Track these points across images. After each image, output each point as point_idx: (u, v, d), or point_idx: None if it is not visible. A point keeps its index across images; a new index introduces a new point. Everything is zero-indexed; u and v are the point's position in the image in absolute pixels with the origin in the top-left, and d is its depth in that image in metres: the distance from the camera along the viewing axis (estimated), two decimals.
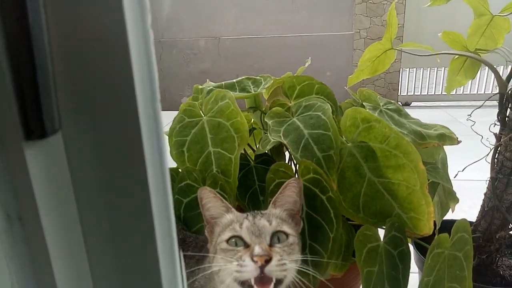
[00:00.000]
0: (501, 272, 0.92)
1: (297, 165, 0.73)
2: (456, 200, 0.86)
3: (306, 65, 1.03)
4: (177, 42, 4.56)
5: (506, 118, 0.77)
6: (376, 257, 0.68)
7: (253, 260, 0.55)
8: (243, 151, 0.89)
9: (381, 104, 0.86)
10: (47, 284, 0.29)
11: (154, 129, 0.29)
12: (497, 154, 0.82)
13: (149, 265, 0.32)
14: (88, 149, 0.28)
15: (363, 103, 0.85)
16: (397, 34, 3.87)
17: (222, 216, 0.66)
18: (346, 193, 0.73)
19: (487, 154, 0.83)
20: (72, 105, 0.26)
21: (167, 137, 0.87)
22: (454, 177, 0.88)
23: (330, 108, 0.76)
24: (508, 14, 0.96)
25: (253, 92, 0.93)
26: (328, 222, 0.68)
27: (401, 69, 4.30)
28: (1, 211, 0.28)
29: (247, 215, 0.64)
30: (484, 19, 1.03)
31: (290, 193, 0.66)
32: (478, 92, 4.15)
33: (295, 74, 1.00)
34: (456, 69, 1.14)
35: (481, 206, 0.90)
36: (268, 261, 0.55)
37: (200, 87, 0.99)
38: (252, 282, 0.55)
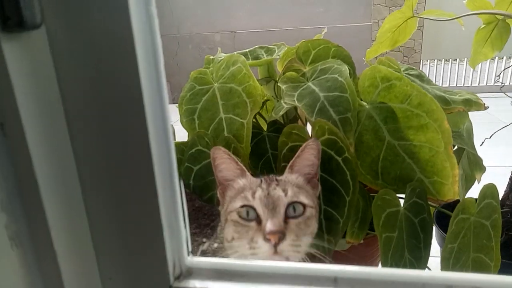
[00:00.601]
0: None
1: (311, 128, 0.70)
2: (483, 169, 0.80)
3: (323, 33, 0.99)
4: (193, 37, 4.56)
5: None
6: (396, 223, 0.63)
7: (265, 239, 0.52)
8: (255, 120, 0.86)
9: (402, 69, 0.82)
10: (29, 189, 0.26)
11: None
12: None
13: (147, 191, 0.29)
14: (77, 48, 0.26)
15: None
16: (418, 9, 3.78)
17: (235, 180, 0.62)
18: (364, 158, 0.69)
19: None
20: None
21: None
22: (480, 145, 0.82)
23: (348, 70, 0.72)
24: None
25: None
26: (344, 185, 0.64)
27: (421, 60, 4.18)
28: None
29: (261, 181, 0.59)
30: None
31: (308, 156, 0.61)
32: (503, 83, 3.99)
33: None
34: (482, 40, 1.08)
35: (510, 178, 0.84)
36: (281, 238, 0.51)
37: (212, 57, 0.96)
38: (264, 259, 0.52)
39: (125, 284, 0.31)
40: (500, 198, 0.87)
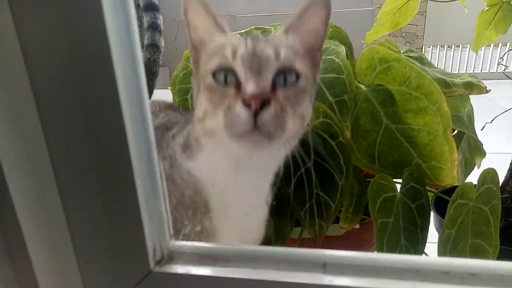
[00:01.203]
0: None
1: None
2: (483, 154, 0.78)
3: None
4: None
5: None
6: (392, 208, 0.62)
7: (245, 104, 0.40)
8: None
9: (402, 51, 0.79)
10: None
11: None
12: None
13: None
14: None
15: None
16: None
17: (213, 37, 0.48)
18: (361, 142, 0.67)
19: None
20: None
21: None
22: (481, 129, 0.80)
23: (344, 51, 0.69)
24: None
25: None
26: (336, 169, 0.62)
27: (423, 46, 4.12)
28: None
29: (246, 39, 0.46)
30: None
31: (313, 18, 0.47)
32: (506, 65, 3.92)
33: None
34: (485, 22, 1.04)
35: (510, 164, 0.83)
36: (265, 104, 0.40)
37: None
38: (242, 134, 0.41)
39: (102, 268, 0.30)
40: (500, 184, 0.86)
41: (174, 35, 4.39)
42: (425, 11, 3.99)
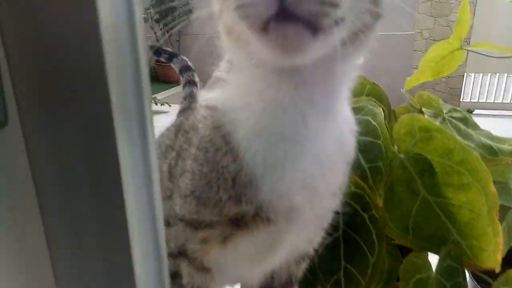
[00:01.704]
0: None
1: None
2: None
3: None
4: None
5: None
6: None
7: None
8: None
9: (444, 111, 0.75)
10: None
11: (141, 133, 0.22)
12: None
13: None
14: (46, 142, 0.23)
15: (422, 108, 0.74)
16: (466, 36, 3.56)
17: None
18: (394, 211, 0.64)
19: None
20: (28, 96, 0.21)
21: None
22: None
23: (382, 113, 0.66)
24: None
25: None
26: (368, 244, 0.59)
27: (465, 73, 3.97)
28: None
29: None
30: None
31: None
32: None
33: None
34: None
35: None
36: None
37: None
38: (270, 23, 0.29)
39: None
40: None
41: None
42: (469, 38, 3.85)
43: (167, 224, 0.42)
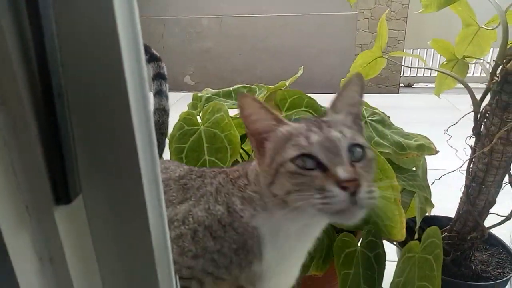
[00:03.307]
0: (473, 267, 1.01)
1: None
2: (432, 206, 0.93)
3: (299, 74, 1.08)
4: (180, 20, 4.54)
5: (480, 133, 0.83)
6: (353, 261, 0.76)
7: (342, 187, 0.45)
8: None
9: (366, 115, 0.92)
10: None
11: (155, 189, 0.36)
12: (471, 164, 0.89)
13: None
14: (101, 206, 0.36)
15: None
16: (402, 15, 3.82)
17: (275, 129, 0.53)
18: None
19: (461, 166, 0.90)
20: (88, 171, 0.34)
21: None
22: (432, 184, 0.95)
23: None
24: (495, 27, 1.00)
25: None
26: None
27: (404, 50, 4.27)
28: (36, 255, 0.36)
29: (309, 124, 0.52)
30: (471, 29, 1.07)
31: (352, 94, 0.55)
32: (481, 74, 4.11)
33: (288, 81, 1.06)
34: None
35: (457, 209, 0.98)
36: (358, 185, 0.45)
37: (199, 94, 1.05)
38: (338, 211, 0.46)
39: None
40: (451, 222, 1.01)
41: (162, 34, 4.45)
42: (406, 17, 4.13)
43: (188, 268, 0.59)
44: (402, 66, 4.32)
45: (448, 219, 1.09)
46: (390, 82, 4.13)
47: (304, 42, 4.38)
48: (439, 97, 1.25)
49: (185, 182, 0.67)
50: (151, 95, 0.98)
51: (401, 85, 4.43)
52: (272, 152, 0.53)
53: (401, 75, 4.32)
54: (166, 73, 1.00)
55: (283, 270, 0.61)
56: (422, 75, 4.52)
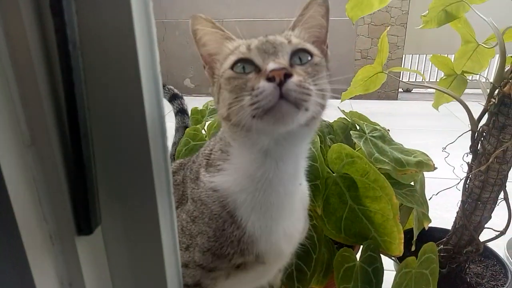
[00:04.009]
0: (468, 279, 1.04)
1: None
2: (429, 221, 0.96)
3: None
4: (180, 23, 4.56)
5: (477, 151, 0.85)
6: (352, 275, 0.78)
7: (268, 79, 0.42)
8: None
9: (367, 132, 0.95)
10: None
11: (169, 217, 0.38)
12: (468, 181, 0.91)
13: None
14: (118, 236, 0.38)
15: (351, 131, 0.93)
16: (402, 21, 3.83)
17: (224, 48, 0.53)
18: (330, 217, 0.84)
19: (458, 182, 0.92)
20: (107, 204, 0.36)
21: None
22: (429, 199, 0.98)
23: (319, 142, 0.85)
24: (493, 45, 1.02)
25: None
26: (312, 245, 0.78)
27: (404, 55, 4.30)
28: (57, 280, 0.38)
29: (256, 41, 0.50)
30: (470, 46, 1.10)
31: (313, 14, 0.53)
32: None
33: None
34: (444, 87, 1.21)
35: (453, 223, 1.01)
36: (288, 76, 0.42)
37: (200, 108, 1.07)
38: (269, 108, 0.43)
39: None
40: (447, 235, 1.03)
41: (162, 37, 4.47)
42: (406, 23, 4.16)
43: (185, 266, 0.58)
44: (401, 72, 4.37)
45: (445, 230, 1.11)
46: (389, 88, 4.16)
47: None
48: (437, 110, 1.28)
49: (174, 179, 0.68)
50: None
51: (400, 90, 4.46)
52: (219, 65, 0.52)
53: (400, 79, 4.35)
54: (187, 108, 1.02)
55: (274, 225, 0.56)
56: (421, 79, 4.57)
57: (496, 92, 0.76)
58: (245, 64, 0.47)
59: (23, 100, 0.31)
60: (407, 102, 4.06)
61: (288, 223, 0.59)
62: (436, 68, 4.56)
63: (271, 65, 0.44)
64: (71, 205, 0.35)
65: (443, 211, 1.06)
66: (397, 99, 4.14)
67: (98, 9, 0.30)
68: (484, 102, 0.84)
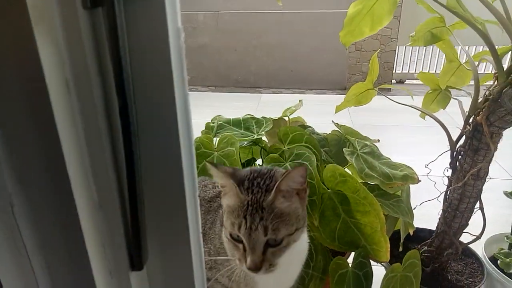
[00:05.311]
0: (449, 277, 1.16)
1: None
2: (413, 228, 1.08)
3: (299, 107, 1.20)
4: None
5: (456, 168, 0.96)
6: (345, 280, 0.90)
7: (248, 268, 0.66)
8: None
9: (358, 148, 1.05)
10: None
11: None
12: (448, 192, 1.02)
13: None
14: (158, 270, 0.49)
15: (343, 149, 1.03)
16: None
17: (229, 192, 0.70)
18: (325, 227, 0.95)
19: (439, 195, 1.03)
20: (151, 246, 0.46)
21: None
22: (414, 208, 1.09)
23: (315, 161, 0.95)
24: (477, 64, 1.12)
25: (255, 133, 1.11)
26: (309, 254, 0.89)
27: (397, 47, 4.38)
28: None
29: (247, 208, 0.66)
30: (454, 65, 1.19)
31: (295, 179, 0.68)
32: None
33: (289, 111, 1.18)
34: (430, 100, 1.31)
35: (436, 228, 1.12)
36: (258, 269, 0.66)
37: (211, 124, 1.17)
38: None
39: None
40: (429, 240, 1.15)
41: None
42: (399, 16, 4.22)
43: (208, 280, 0.75)
44: (394, 64, 4.46)
45: (430, 231, 1.23)
46: (383, 79, 4.25)
47: (299, 39, 4.46)
48: (424, 119, 1.38)
49: (210, 205, 0.87)
50: None
51: (393, 81, 4.56)
52: (225, 209, 0.72)
53: (394, 71, 4.45)
54: None
55: (272, 277, 0.74)
56: (414, 71, 4.67)
57: (471, 119, 0.86)
58: (238, 236, 0.68)
59: (93, 170, 0.41)
60: (399, 97, 4.16)
61: (283, 273, 0.76)
62: (429, 58, 4.68)
63: (248, 263, 0.66)
64: (126, 247, 0.45)
65: (427, 217, 1.17)
66: (390, 91, 4.24)
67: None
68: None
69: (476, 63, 0.99)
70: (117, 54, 0.35)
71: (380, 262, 0.95)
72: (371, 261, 0.94)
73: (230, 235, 0.69)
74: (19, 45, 0.32)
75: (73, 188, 0.39)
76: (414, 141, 2.82)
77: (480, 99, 0.85)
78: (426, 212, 1.19)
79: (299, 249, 0.77)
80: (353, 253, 0.94)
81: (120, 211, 0.43)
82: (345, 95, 1.28)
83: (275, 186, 0.67)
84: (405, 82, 4.71)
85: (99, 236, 0.43)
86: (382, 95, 1.21)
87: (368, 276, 0.93)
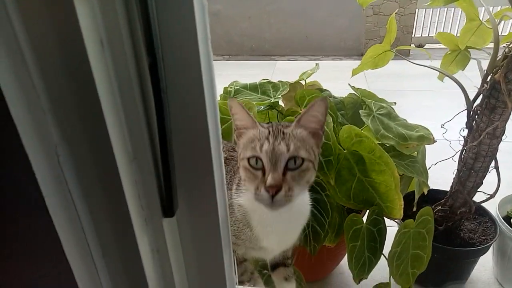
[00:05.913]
0: (462, 235, 1.20)
1: None
2: (427, 187, 1.10)
3: (316, 71, 1.21)
4: None
5: (472, 127, 0.97)
6: (359, 235, 0.94)
7: (266, 189, 0.65)
8: None
9: (374, 110, 1.06)
10: None
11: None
12: (464, 151, 1.04)
13: None
14: (186, 218, 0.53)
15: (359, 110, 1.05)
16: None
17: (248, 129, 0.72)
18: (341, 187, 0.98)
19: (454, 155, 1.05)
20: (181, 195, 0.51)
21: None
22: (429, 168, 1.11)
23: (332, 122, 0.97)
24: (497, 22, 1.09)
25: (272, 97, 1.13)
26: (325, 211, 0.94)
27: (417, 9, 4.23)
28: (150, 248, 0.53)
29: (269, 133, 0.68)
30: (474, 24, 1.17)
31: (315, 113, 0.69)
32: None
33: (306, 75, 1.19)
34: (448, 61, 1.30)
35: (450, 187, 1.14)
36: (278, 190, 0.64)
37: (229, 88, 1.19)
38: (264, 205, 0.67)
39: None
40: (443, 199, 1.18)
41: None
42: None
43: None
44: (414, 28, 4.31)
45: (444, 192, 1.25)
46: (401, 44, 4.13)
47: (314, 3, 4.34)
48: (442, 81, 1.37)
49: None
50: None
51: (413, 45, 4.43)
52: (242, 146, 0.72)
53: (413, 35, 4.31)
54: None
55: (274, 234, 0.80)
56: (434, 34, 4.51)
57: (489, 78, 0.86)
58: (257, 159, 0.67)
59: (128, 126, 0.45)
60: (418, 61, 4.06)
61: (284, 233, 0.83)
62: (451, 20, 4.50)
63: (269, 181, 0.65)
64: (159, 196, 0.49)
65: (444, 171, 1.17)
66: (409, 55, 4.13)
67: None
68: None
69: (497, 21, 0.97)
70: (146, 15, 0.38)
71: (394, 219, 0.99)
72: (386, 220, 0.98)
73: (249, 163, 0.69)
74: (58, 9, 0.35)
75: (112, 141, 0.42)
76: (431, 105, 2.78)
77: (499, 57, 0.84)
78: (441, 176, 1.21)
79: (301, 209, 0.81)
80: (368, 212, 0.98)
81: (152, 162, 0.47)
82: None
83: (296, 119, 0.71)
84: (425, 47, 4.58)
85: (134, 186, 0.47)
86: (400, 58, 1.20)
87: (382, 232, 0.98)
